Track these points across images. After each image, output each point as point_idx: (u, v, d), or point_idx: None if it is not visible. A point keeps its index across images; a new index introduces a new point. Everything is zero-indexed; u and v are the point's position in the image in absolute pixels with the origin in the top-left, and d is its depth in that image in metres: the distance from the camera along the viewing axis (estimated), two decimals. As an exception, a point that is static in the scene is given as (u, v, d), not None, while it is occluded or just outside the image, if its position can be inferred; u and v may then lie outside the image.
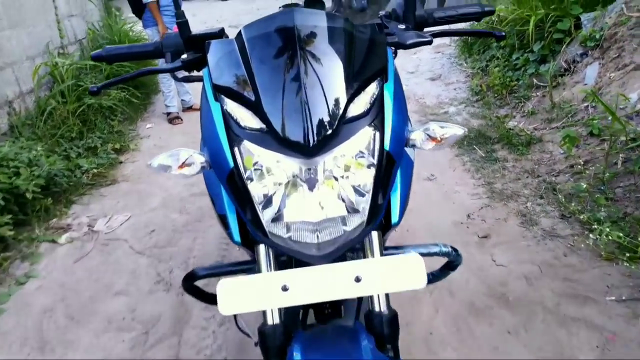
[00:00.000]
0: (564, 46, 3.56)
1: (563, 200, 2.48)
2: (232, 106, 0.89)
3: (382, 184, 0.86)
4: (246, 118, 0.87)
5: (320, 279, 0.79)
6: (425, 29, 1.16)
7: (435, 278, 1.22)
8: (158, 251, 2.58)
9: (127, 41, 5.29)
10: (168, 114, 4.68)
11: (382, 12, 1.26)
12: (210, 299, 1.28)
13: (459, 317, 1.90)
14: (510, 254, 2.26)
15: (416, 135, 0.93)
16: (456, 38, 5.68)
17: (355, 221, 0.85)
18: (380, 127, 0.86)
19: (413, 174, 1.09)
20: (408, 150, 1.11)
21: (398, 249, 1.10)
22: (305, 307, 1.21)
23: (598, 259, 2.12)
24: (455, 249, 1.08)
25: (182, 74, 1.28)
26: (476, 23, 1.27)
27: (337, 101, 0.83)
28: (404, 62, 5.99)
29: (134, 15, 4.67)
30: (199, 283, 1.08)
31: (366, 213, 0.84)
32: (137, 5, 4.32)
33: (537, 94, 3.62)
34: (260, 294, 0.78)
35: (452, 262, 1.12)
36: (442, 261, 1.13)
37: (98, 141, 3.77)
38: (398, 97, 0.93)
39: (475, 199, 2.72)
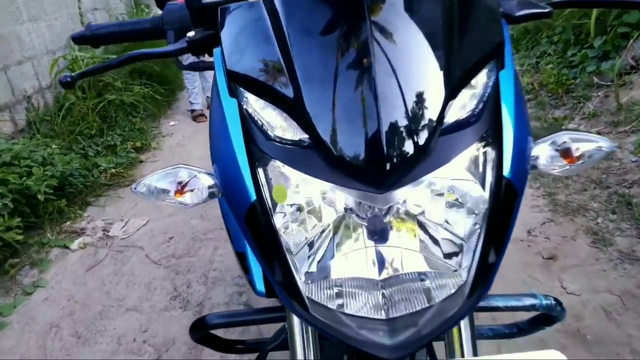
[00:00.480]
0: (632, 41, 3.17)
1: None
2: (256, 105, 0.60)
3: (497, 230, 0.56)
4: (278, 124, 0.58)
5: None
6: None
7: (520, 332, 0.94)
8: (175, 261, 2.33)
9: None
10: (192, 111, 4.47)
11: None
12: (228, 346, 1.01)
13: (528, 358, 1.58)
14: (582, 280, 1.92)
15: (540, 151, 0.62)
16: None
17: (449, 286, 0.56)
18: (496, 140, 0.57)
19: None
20: None
21: (492, 300, 0.82)
22: None
23: (694, 290, 1.76)
24: (558, 302, 0.82)
25: (190, 59, 1.00)
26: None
27: (428, 99, 0.53)
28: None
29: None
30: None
31: (470, 275, 0.55)
32: (162, -3, 4.12)
33: (599, 93, 3.24)
34: None
35: (550, 315, 0.84)
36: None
37: (118, 139, 3.57)
38: (518, 92, 0.63)
39: (536, 212, 2.38)
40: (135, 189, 0.66)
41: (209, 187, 0.65)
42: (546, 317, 0.88)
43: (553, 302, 0.81)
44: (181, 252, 2.40)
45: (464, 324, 0.65)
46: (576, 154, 0.61)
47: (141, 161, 3.54)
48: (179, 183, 0.65)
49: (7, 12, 3.39)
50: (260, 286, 0.71)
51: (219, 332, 0.93)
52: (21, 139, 3.07)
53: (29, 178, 2.57)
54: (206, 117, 4.41)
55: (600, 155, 0.62)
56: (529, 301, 0.82)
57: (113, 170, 3.23)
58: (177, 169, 0.65)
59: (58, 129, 3.42)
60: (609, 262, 1.98)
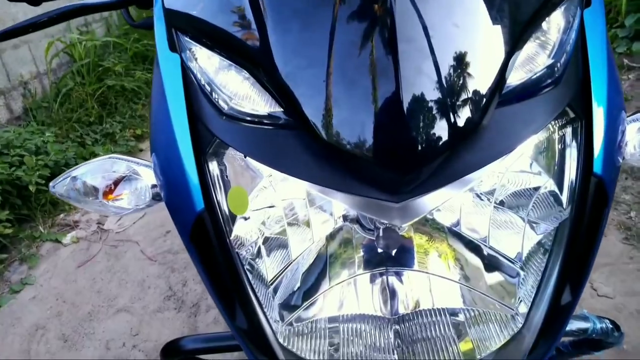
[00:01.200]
0: (667, 18, 2.92)
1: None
2: (206, 62, 0.42)
3: (579, 254, 0.39)
4: (240, 91, 0.40)
5: None
6: None
7: (562, 355, 0.79)
8: (172, 257, 2.18)
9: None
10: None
11: None
12: None
13: (558, 373, 1.41)
14: (615, 280, 1.73)
15: (628, 134, 0.43)
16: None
17: (499, 334, 0.40)
18: (582, 116, 0.38)
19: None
20: None
21: None
22: None
23: None
24: (616, 326, 0.71)
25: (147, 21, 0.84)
26: None
27: (477, 52, 0.34)
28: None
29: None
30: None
31: (532, 319, 0.38)
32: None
33: (630, 76, 3.01)
34: None
35: (603, 340, 0.71)
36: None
37: (118, 126, 3.41)
38: (608, 43, 0.44)
39: (561, 206, 2.19)
40: (53, 187, 0.50)
41: (153, 186, 0.48)
42: (597, 342, 0.73)
43: (609, 325, 0.69)
44: (178, 247, 2.25)
45: None
46: None
47: (141, 150, 3.38)
48: (112, 180, 0.48)
49: (1, -7, 3.24)
50: (243, 324, 0.54)
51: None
52: (11, 126, 2.93)
53: (20, 168, 2.43)
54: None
55: None
56: (579, 324, 0.67)
57: (111, 159, 3.08)
58: (111, 161, 0.48)
59: (55, 116, 3.28)
60: (645, 261, 1.79)
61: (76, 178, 0.49)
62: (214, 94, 0.41)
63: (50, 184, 0.51)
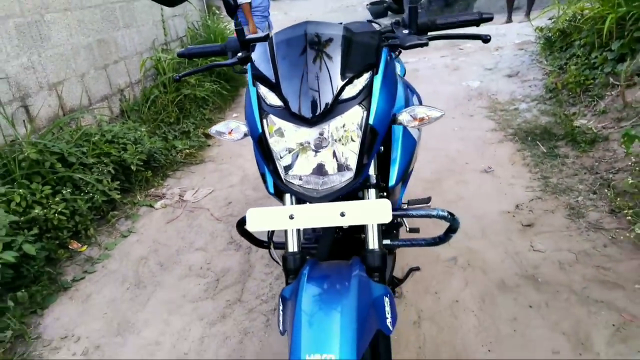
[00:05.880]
0: (644, 44, 3.46)
1: (612, 195, 2.51)
2: (263, 90, 1.17)
3: (366, 149, 1.12)
4: (271, 98, 1.15)
5: (317, 212, 1.06)
6: (429, 33, 1.26)
7: (440, 241, 1.36)
8: (233, 219, 2.99)
9: (220, 40, 5.84)
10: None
11: (393, 20, 1.38)
12: (258, 242, 1.60)
13: (487, 291, 2.07)
14: (550, 242, 2.34)
15: (402, 117, 1.18)
16: (539, 35, 5.55)
17: (347, 175, 1.12)
18: (367, 107, 1.11)
19: (416, 150, 1.33)
20: (412, 131, 1.37)
21: (407, 210, 1.36)
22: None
23: (639, 252, 2.16)
24: (451, 214, 1.25)
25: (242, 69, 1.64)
26: (476, 28, 1.38)
27: (334, 86, 1.08)
28: (482, 58, 5.99)
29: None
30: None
31: (354, 169, 1.11)
32: (231, 6, 4.83)
33: (612, 93, 3.55)
34: (273, 219, 1.07)
35: (452, 226, 1.29)
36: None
37: (191, 126, 4.33)
38: (386, 85, 1.17)
39: (528, 192, 2.81)
40: (211, 131, 1.30)
41: (244, 131, 1.27)
42: (450, 228, 1.31)
43: (447, 213, 1.25)
44: (237, 212, 3.06)
45: (373, 196, 1.20)
46: (422, 118, 1.16)
47: (209, 145, 4.27)
48: (230, 129, 1.27)
49: (107, 21, 4.22)
50: (272, 189, 1.30)
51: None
52: (117, 123, 3.87)
53: (125, 152, 3.34)
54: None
55: (435, 119, 1.17)
56: (428, 212, 1.29)
57: (187, 150, 3.98)
58: (229, 122, 1.28)
59: (144, 116, 4.21)
60: (577, 230, 2.39)
61: (217, 128, 1.29)
62: (265, 99, 1.17)
63: (210, 129, 1.32)
